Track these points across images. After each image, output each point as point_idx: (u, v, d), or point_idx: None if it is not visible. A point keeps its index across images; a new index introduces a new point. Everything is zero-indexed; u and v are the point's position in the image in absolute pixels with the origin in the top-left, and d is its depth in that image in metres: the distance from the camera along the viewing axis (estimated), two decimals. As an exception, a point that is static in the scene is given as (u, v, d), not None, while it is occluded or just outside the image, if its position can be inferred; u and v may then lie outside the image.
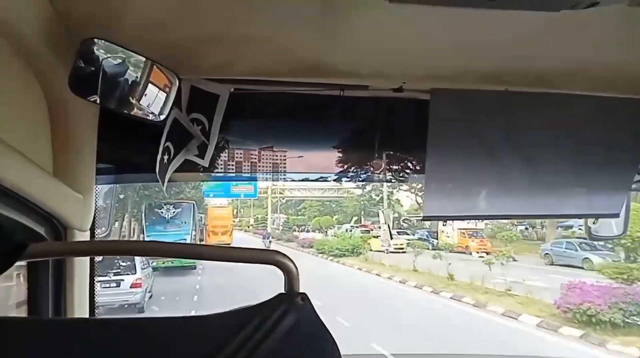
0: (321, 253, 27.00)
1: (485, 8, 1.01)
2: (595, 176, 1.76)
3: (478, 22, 1.20)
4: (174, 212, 20.86)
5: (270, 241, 30.18)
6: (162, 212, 20.85)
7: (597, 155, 1.72)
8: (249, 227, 42.54)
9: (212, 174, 1.83)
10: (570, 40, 1.31)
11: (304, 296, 0.84)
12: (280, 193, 37.39)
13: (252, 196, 33.21)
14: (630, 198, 1.94)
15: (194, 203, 22.00)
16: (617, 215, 1.88)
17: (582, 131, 1.70)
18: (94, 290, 1.55)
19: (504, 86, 1.60)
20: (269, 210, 38.32)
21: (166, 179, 1.55)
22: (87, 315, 1.48)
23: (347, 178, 1.99)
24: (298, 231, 35.66)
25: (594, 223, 2.03)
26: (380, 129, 1.84)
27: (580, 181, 1.76)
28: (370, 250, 24.92)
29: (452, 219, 1.85)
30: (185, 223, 20.67)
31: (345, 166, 1.93)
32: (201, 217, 26.93)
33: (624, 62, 1.43)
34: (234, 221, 32.61)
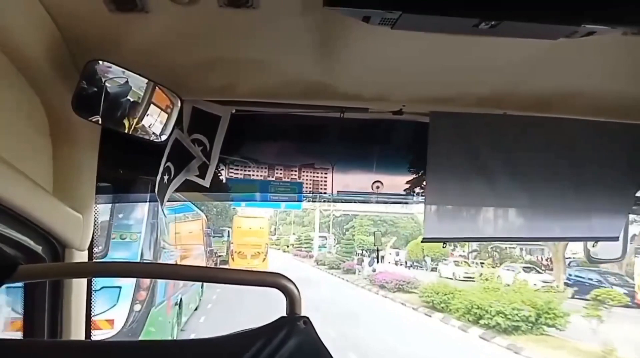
0: (441, 310, 14.14)
1: (485, 35, 1.03)
2: (594, 200, 1.76)
3: (477, 48, 1.22)
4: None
5: (374, 270, 18.45)
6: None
7: (595, 179, 1.72)
8: (287, 247, 33.65)
9: (213, 194, 1.83)
10: (567, 66, 1.33)
11: (306, 320, 0.83)
12: (334, 204, 27.45)
13: (295, 208, 24.06)
14: (629, 221, 1.95)
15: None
16: (616, 238, 1.88)
17: (580, 155, 1.71)
18: (91, 312, 1.53)
19: (502, 109, 1.62)
20: (317, 226, 30.37)
21: (165, 199, 1.55)
22: (83, 338, 1.46)
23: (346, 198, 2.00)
24: (365, 257, 23.76)
25: (593, 246, 2.03)
26: (378, 150, 1.86)
27: (579, 204, 1.77)
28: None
29: (452, 241, 1.85)
30: (126, 237, 7.38)
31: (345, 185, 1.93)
32: (228, 231, 20.59)
33: (620, 88, 1.45)
34: (270, 239, 24.40)
